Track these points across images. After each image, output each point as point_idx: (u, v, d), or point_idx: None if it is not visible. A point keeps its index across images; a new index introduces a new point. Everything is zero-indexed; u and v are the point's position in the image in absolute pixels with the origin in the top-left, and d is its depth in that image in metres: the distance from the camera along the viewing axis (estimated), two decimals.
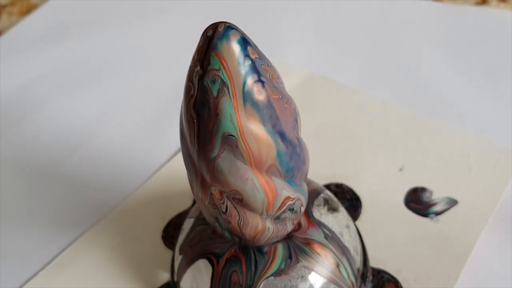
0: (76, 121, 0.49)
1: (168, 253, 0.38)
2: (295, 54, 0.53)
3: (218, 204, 0.27)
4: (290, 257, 0.30)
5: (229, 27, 0.24)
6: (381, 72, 0.50)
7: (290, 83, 0.44)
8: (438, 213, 0.38)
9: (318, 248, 0.31)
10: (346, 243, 0.32)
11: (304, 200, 0.29)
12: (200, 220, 0.33)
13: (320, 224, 0.32)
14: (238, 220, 0.27)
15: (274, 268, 0.30)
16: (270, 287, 0.30)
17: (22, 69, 0.55)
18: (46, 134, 0.48)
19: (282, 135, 0.26)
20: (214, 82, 0.24)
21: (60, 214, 0.42)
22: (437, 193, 0.39)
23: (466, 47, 0.51)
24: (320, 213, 0.32)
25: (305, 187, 0.29)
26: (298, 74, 0.50)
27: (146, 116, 0.49)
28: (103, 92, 0.52)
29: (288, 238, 0.31)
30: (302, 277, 0.30)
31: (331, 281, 0.31)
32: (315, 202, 0.33)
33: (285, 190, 0.27)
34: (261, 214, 0.27)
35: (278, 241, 0.31)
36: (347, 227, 0.33)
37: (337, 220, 0.33)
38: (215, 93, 0.24)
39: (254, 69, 0.24)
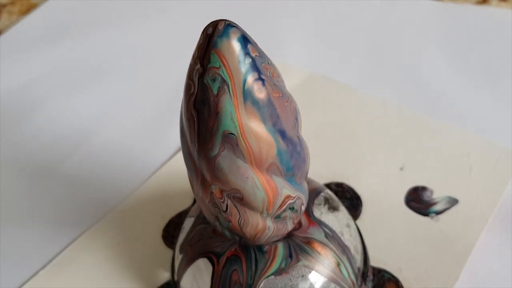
0: (76, 121, 0.49)
1: (169, 252, 0.38)
2: (295, 54, 0.53)
3: (218, 202, 0.27)
4: (290, 256, 0.30)
5: (229, 25, 0.24)
6: (381, 71, 0.50)
7: (290, 82, 0.44)
8: (438, 212, 0.38)
9: (318, 247, 0.31)
10: (347, 242, 0.32)
11: (304, 199, 0.29)
12: (201, 219, 0.33)
13: (320, 223, 0.32)
14: (239, 219, 0.27)
15: (274, 267, 0.30)
16: (270, 286, 0.30)
17: (22, 69, 0.55)
18: (46, 134, 0.48)
19: (282, 134, 0.26)
20: (214, 80, 0.24)
21: (60, 214, 0.42)
22: (438, 193, 0.39)
23: (467, 47, 0.51)
24: (321, 212, 0.32)
25: (305, 186, 0.29)
26: (298, 74, 0.50)
27: (146, 116, 0.49)
28: (103, 92, 0.52)
29: (288, 237, 0.31)
30: (303, 276, 0.30)
31: (331, 280, 0.31)
32: (316, 201, 0.33)
33: (285, 189, 0.27)
34: (261, 213, 0.27)
35: (278, 240, 0.31)
36: (348, 226, 0.33)
37: (337, 219, 0.33)
38: (215, 91, 0.24)
39: (255, 67, 0.24)
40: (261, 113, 0.25)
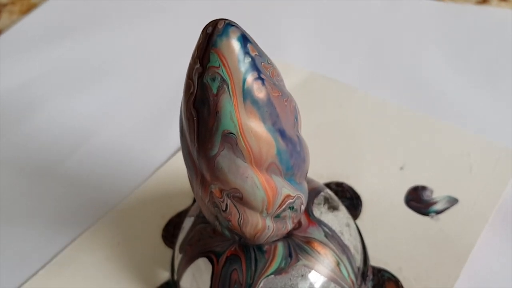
0: (76, 121, 0.49)
1: (168, 252, 0.38)
2: (295, 54, 0.53)
3: (218, 202, 0.27)
4: (290, 255, 0.30)
5: (228, 24, 0.24)
6: (381, 71, 0.50)
7: (290, 82, 0.44)
8: (438, 212, 0.38)
9: (318, 247, 0.31)
10: (347, 242, 0.32)
11: (304, 198, 0.29)
12: (200, 218, 0.33)
13: (320, 223, 0.32)
14: (238, 218, 0.27)
15: (274, 266, 0.30)
16: (270, 285, 0.30)
17: (22, 69, 0.55)
18: (46, 134, 0.48)
19: (282, 133, 0.26)
20: (213, 79, 0.24)
21: (60, 214, 0.42)
22: (438, 192, 0.39)
23: (467, 47, 0.51)
24: (320, 212, 0.32)
25: (305, 185, 0.29)
26: (298, 74, 0.50)
27: (146, 116, 0.49)
28: (103, 92, 0.52)
29: (288, 236, 0.31)
30: (302, 275, 0.30)
31: (331, 279, 0.31)
32: (315, 201, 0.33)
33: (285, 189, 0.27)
34: (261, 213, 0.27)
35: (278, 240, 0.31)
36: (348, 225, 0.33)
37: (337, 219, 0.33)
38: (214, 91, 0.24)
39: (254, 66, 0.24)
40: (261, 113, 0.25)
